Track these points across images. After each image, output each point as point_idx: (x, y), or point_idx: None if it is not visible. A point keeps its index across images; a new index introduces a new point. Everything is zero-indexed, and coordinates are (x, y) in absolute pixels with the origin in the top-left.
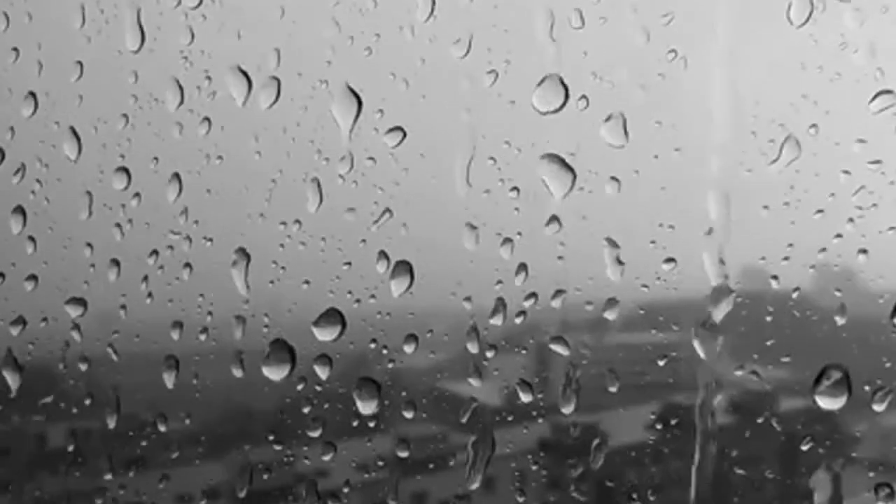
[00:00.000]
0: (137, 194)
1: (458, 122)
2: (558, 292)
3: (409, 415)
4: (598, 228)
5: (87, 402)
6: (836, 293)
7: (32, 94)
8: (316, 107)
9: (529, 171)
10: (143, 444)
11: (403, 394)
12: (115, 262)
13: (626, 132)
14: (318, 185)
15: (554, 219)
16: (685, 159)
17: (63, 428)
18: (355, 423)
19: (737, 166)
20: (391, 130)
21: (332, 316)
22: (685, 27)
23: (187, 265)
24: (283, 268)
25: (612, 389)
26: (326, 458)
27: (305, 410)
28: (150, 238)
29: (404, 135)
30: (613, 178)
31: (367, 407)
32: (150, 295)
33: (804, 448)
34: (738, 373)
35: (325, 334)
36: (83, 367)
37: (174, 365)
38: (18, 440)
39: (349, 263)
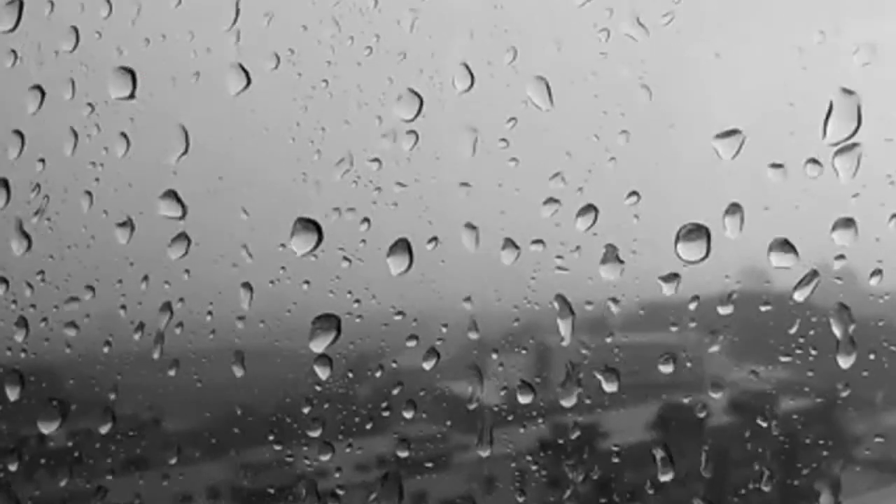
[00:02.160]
0: (136, 195)
1: (456, 122)
2: (558, 293)
3: (409, 415)
4: (597, 228)
5: (87, 402)
6: (837, 293)
7: (33, 93)
8: (316, 107)
9: (529, 171)
10: (143, 444)
11: (404, 394)
12: (115, 262)
13: (624, 132)
14: (318, 186)
15: (553, 219)
16: (685, 159)
17: (62, 429)
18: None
19: (737, 166)
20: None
21: (328, 320)
22: (686, 27)
23: (187, 265)
24: (282, 268)
25: (613, 389)
26: (325, 457)
27: (305, 411)
28: (148, 238)
29: (417, 138)
30: (613, 179)
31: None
32: (148, 295)
33: (804, 448)
34: (738, 373)
35: (318, 344)
36: (83, 366)
37: (174, 365)
38: (18, 441)
39: (349, 262)
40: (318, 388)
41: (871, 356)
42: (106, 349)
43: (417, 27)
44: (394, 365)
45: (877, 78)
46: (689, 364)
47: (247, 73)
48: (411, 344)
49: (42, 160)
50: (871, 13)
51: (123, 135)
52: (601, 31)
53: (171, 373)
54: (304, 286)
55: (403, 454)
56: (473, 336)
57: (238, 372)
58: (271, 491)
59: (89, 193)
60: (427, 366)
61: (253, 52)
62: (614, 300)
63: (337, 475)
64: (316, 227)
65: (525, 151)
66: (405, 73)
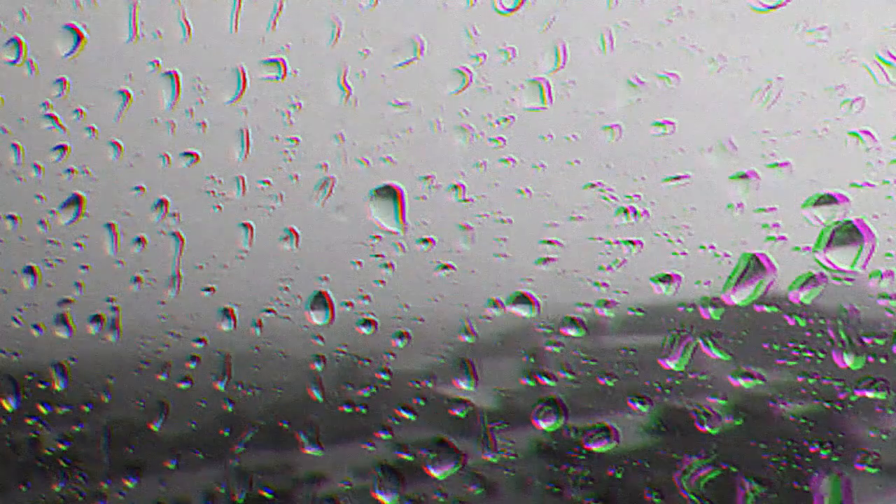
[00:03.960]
0: (129, 195)
1: (453, 122)
2: (555, 294)
3: (403, 418)
4: (595, 230)
5: (80, 406)
6: (846, 295)
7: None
8: (310, 106)
9: (526, 172)
10: (138, 448)
11: (398, 397)
12: (107, 264)
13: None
14: (309, 185)
15: (551, 220)
16: (687, 160)
17: (56, 432)
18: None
19: (738, 167)
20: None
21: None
22: (686, 29)
23: (179, 266)
24: (273, 270)
25: (611, 393)
26: (323, 463)
27: (301, 415)
28: (140, 239)
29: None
30: (613, 180)
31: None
32: (140, 297)
33: (811, 453)
34: (741, 375)
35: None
36: (74, 370)
37: (167, 368)
38: (11, 445)
39: (355, 264)
40: (311, 392)
41: (885, 356)
42: (98, 352)
43: (413, 27)
44: (388, 368)
45: (885, 79)
46: (691, 367)
47: (242, 74)
48: (405, 347)
49: (36, 166)
50: (878, 16)
51: (116, 135)
52: (601, 31)
53: (163, 376)
54: (298, 288)
55: (400, 458)
56: (468, 339)
57: (230, 375)
58: (268, 496)
59: (80, 196)
60: (422, 369)
61: (248, 51)
62: (612, 302)
63: (334, 480)
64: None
65: (523, 151)
66: (399, 72)
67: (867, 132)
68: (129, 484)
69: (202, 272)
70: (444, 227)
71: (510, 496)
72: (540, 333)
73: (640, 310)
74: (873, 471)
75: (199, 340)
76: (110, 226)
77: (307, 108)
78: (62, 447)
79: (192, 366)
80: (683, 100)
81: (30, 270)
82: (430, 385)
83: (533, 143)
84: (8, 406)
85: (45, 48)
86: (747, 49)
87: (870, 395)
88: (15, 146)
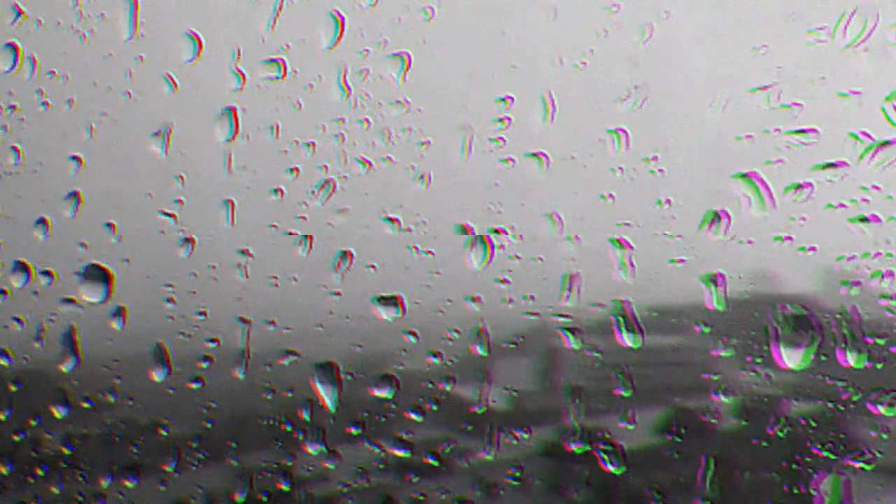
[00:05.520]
0: (131, 194)
1: (453, 122)
2: (567, 294)
3: (414, 419)
4: (608, 230)
5: (84, 405)
6: (847, 295)
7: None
8: (311, 106)
9: (528, 172)
10: (142, 448)
11: (409, 397)
12: (110, 263)
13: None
14: (314, 188)
15: (560, 220)
16: (691, 161)
17: (59, 432)
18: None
19: (742, 168)
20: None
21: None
22: (685, 29)
23: (185, 266)
24: (275, 273)
25: (622, 393)
26: (327, 463)
27: (307, 416)
28: (145, 239)
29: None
30: (620, 179)
31: None
32: (142, 297)
33: (813, 451)
34: (748, 376)
35: None
36: (78, 369)
37: (172, 368)
38: (15, 444)
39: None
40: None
41: (883, 359)
42: (103, 351)
43: (414, 27)
44: (399, 368)
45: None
46: (699, 367)
47: (241, 73)
48: (416, 347)
49: (37, 161)
50: (877, 16)
51: (115, 134)
52: (598, 34)
53: (168, 377)
54: (301, 289)
55: (407, 459)
56: (480, 339)
57: (238, 375)
58: (269, 497)
59: (80, 194)
60: (433, 369)
61: (248, 51)
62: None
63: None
64: None
65: (523, 151)
66: (398, 71)
67: (866, 133)
68: (128, 484)
69: (202, 272)
70: (445, 226)
71: (510, 496)
72: (551, 334)
73: (652, 311)
74: (869, 467)
75: (212, 340)
76: (110, 226)
77: (307, 108)
78: (62, 447)
79: (204, 365)
80: (682, 99)
81: (28, 269)
82: (448, 388)
83: (533, 144)
84: (8, 406)
85: (46, 48)
86: (748, 50)
87: (882, 409)
88: (14, 148)
